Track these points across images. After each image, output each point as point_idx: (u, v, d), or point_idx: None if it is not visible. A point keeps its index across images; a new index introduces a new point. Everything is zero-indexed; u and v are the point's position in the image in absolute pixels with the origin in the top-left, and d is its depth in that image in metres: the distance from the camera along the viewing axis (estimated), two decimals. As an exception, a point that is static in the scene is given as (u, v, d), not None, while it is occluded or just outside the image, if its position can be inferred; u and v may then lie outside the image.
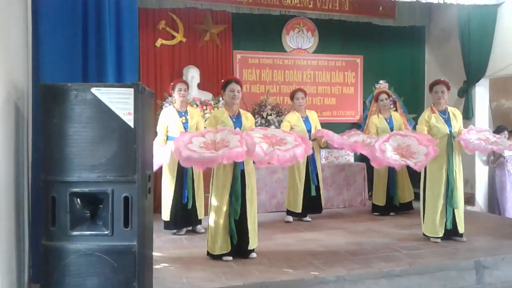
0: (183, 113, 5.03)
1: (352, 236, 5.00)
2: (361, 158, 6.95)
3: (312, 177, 5.67)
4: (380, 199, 6.10)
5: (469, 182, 6.92)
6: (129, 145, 2.49)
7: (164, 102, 6.09)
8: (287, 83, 7.29)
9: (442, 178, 4.60)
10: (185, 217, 5.00)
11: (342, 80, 7.62)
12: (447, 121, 4.68)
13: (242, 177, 4.06)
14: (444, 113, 4.72)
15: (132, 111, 2.48)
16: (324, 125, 6.27)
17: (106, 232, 2.47)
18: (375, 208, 6.18)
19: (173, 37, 6.69)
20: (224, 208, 4.01)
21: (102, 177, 2.46)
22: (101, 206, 2.50)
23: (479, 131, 4.80)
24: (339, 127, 6.58)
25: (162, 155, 4.66)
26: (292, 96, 5.86)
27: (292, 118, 5.73)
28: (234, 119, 4.22)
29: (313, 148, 5.18)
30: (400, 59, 7.85)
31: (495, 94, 7.78)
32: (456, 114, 4.76)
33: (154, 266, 3.00)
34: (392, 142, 4.50)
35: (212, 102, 6.37)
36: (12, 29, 2.88)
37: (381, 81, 7.58)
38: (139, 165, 2.50)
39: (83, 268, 2.45)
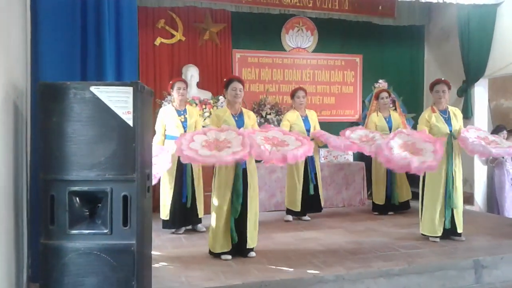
0: (182, 112, 5.02)
1: (351, 235, 5.00)
2: (361, 157, 6.96)
3: (310, 176, 5.67)
4: (380, 198, 6.11)
5: (468, 181, 6.92)
6: (128, 144, 2.48)
7: (163, 101, 6.09)
8: (286, 82, 7.29)
9: (442, 177, 4.60)
10: (184, 216, 4.99)
11: (342, 79, 7.62)
12: (448, 121, 4.68)
13: (244, 175, 4.07)
14: (444, 113, 4.72)
15: (131, 110, 2.48)
16: (323, 124, 6.28)
17: (105, 231, 2.46)
18: (375, 207, 6.18)
19: (173, 35, 6.69)
20: (226, 207, 4.02)
21: (101, 176, 2.46)
22: (100, 205, 2.50)
23: (478, 129, 4.81)
24: (338, 126, 6.58)
25: (162, 164, 4.60)
26: (293, 94, 5.85)
27: (292, 117, 5.73)
28: (236, 118, 4.23)
29: (312, 148, 5.19)
30: (399, 59, 7.85)
31: (494, 93, 7.79)
32: (456, 114, 4.77)
33: (153, 265, 2.99)
34: (397, 140, 4.45)
35: (211, 101, 6.37)
36: (12, 28, 2.88)
37: (380, 81, 7.58)
38: (138, 164, 2.49)
39: (82, 267, 2.44)
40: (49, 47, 3.11)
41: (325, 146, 6.11)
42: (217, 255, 4.06)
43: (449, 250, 4.37)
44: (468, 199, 6.75)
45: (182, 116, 5.00)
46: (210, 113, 6.16)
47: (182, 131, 4.87)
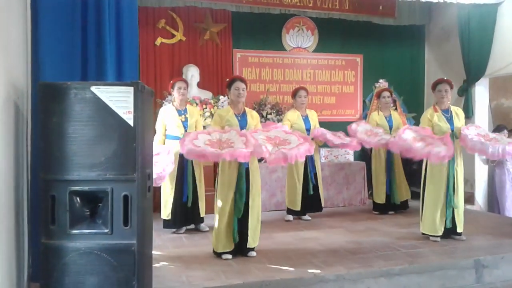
0: (182, 112, 5.02)
1: (352, 235, 5.00)
2: (361, 157, 6.97)
3: (310, 176, 5.68)
4: (380, 197, 6.11)
5: (469, 181, 6.92)
6: (129, 143, 2.48)
7: (163, 101, 6.09)
8: (287, 82, 7.29)
9: (443, 176, 4.60)
10: (185, 216, 4.99)
11: (342, 79, 7.62)
12: (449, 120, 4.69)
13: (247, 175, 4.08)
14: (446, 112, 4.73)
15: (131, 110, 2.48)
16: (324, 124, 6.28)
17: (105, 231, 2.46)
18: (376, 207, 6.18)
19: (173, 35, 6.69)
20: (228, 207, 4.04)
21: (102, 176, 2.46)
22: (100, 204, 2.50)
23: (478, 127, 4.81)
24: (338, 126, 6.58)
25: (164, 164, 4.58)
26: (295, 94, 5.85)
27: (292, 117, 5.73)
28: (239, 118, 4.24)
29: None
30: (400, 58, 7.84)
31: (495, 93, 7.78)
32: (458, 113, 4.77)
33: (153, 265, 3.00)
34: (409, 133, 4.61)
35: (211, 101, 6.37)
36: (12, 28, 2.88)
37: (381, 80, 7.58)
38: (139, 163, 2.49)
39: (83, 266, 2.44)
40: (49, 47, 3.10)
41: (326, 145, 6.13)
42: (219, 255, 4.08)
43: (450, 250, 4.37)
44: (469, 198, 6.74)
45: (183, 116, 5.00)
46: (211, 113, 6.17)
47: (183, 131, 4.88)
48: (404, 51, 7.91)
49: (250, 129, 4.16)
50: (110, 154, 2.46)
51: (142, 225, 2.54)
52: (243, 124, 4.20)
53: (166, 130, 5.00)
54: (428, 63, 8.05)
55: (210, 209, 5.07)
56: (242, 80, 4.32)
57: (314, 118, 5.86)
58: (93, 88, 2.47)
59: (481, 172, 7.07)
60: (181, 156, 4.78)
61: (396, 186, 6.08)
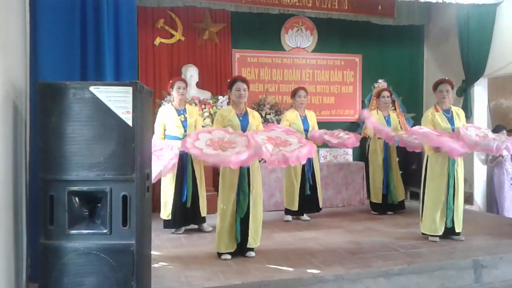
0: (181, 111, 5.02)
1: (351, 235, 5.00)
2: (360, 157, 6.97)
3: (307, 176, 5.67)
4: (377, 197, 6.12)
5: (468, 181, 6.91)
6: (128, 143, 2.48)
7: (162, 101, 6.08)
8: (286, 82, 7.29)
9: (444, 177, 4.60)
10: (184, 216, 4.98)
11: (341, 79, 7.61)
12: (450, 120, 4.69)
13: (248, 175, 4.08)
14: (447, 112, 4.74)
15: (130, 110, 2.48)
16: (323, 124, 6.28)
17: (104, 231, 2.46)
18: (374, 206, 6.18)
19: (172, 35, 6.68)
20: (230, 207, 4.04)
21: (101, 176, 2.46)
22: (99, 204, 2.50)
23: (478, 127, 4.81)
24: (337, 126, 6.56)
25: (166, 160, 4.58)
26: (294, 93, 5.85)
27: (291, 116, 5.72)
28: (241, 118, 4.24)
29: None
30: (399, 58, 7.84)
31: (494, 93, 7.79)
32: (459, 114, 4.78)
33: (152, 265, 2.99)
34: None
35: (210, 101, 6.37)
36: (11, 27, 2.87)
37: (380, 80, 7.58)
38: (138, 163, 2.49)
39: (82, 267, 2.44)
40: (48, 47, 3.10)
41: (325, 146, 6.12)
42: (220, 255, 4.08)
43: (449, 250, 4.37)
44: (468, 198, 6.75)
45: (182, 116, 4.99)
46: (210, 113, 6.16)
47: (182, 131, 4.88)
48: (403, 51, 7.90)
49: (251, 130, 4.16)
50: (109, 154, 2.46)
51: (141, 225, 2.54)
52: (244, 124, 4.20)
53: (165, 130, 4.99)
54: (427, 63, 8.05)
55: (212, 209, 5.08)
56: (244, 81, 4.31)
57: (312, 119, 5.86)
58: (92, 88, 2.47)
59: (480, 172, 7.07)
60: (181, 156, 4.78)
61: (393, 186, 6.08)
